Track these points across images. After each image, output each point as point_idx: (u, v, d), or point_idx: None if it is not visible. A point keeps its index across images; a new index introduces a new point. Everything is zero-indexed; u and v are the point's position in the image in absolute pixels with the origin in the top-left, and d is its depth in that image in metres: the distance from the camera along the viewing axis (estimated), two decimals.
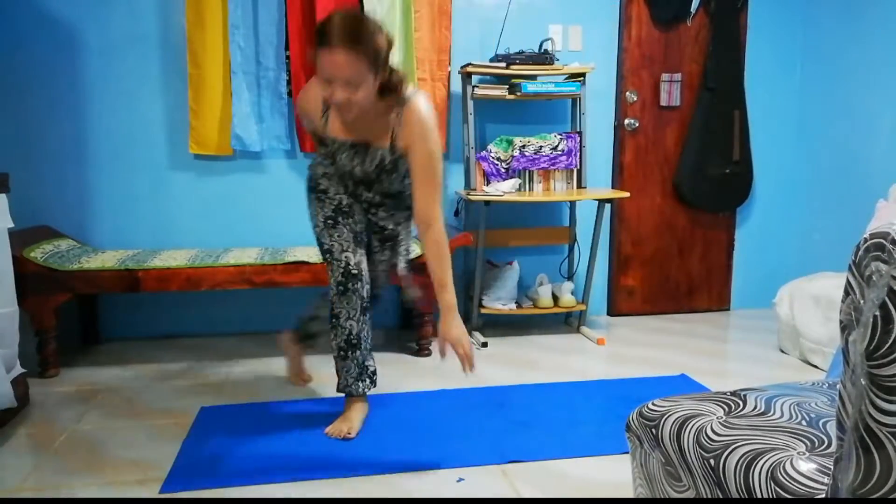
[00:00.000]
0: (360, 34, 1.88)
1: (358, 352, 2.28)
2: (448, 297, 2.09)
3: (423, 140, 2.08)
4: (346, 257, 2.20)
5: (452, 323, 2.07)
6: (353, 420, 2.30)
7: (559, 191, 3.47)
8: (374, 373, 2.39)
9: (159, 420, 2.41)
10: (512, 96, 3.36)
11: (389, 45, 1.97)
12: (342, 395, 2.37)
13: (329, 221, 2.25)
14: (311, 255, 3.05)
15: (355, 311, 2.22)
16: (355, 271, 2.20)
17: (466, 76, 3.36)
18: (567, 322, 3.75)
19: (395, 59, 2.02)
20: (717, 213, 4.00)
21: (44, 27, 3.16)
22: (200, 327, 3.48)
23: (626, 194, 3.44)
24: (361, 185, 2.27)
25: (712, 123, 3.81)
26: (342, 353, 2.27)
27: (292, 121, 3.39)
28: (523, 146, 3.39)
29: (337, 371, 2.33)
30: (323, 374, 2.89)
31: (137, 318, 3.41)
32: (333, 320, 2.24)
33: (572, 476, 2.02)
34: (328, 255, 2.23)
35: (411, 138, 2.09)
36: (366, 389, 2.35)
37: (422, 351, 3.15)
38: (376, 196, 2.30)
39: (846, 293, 0.87)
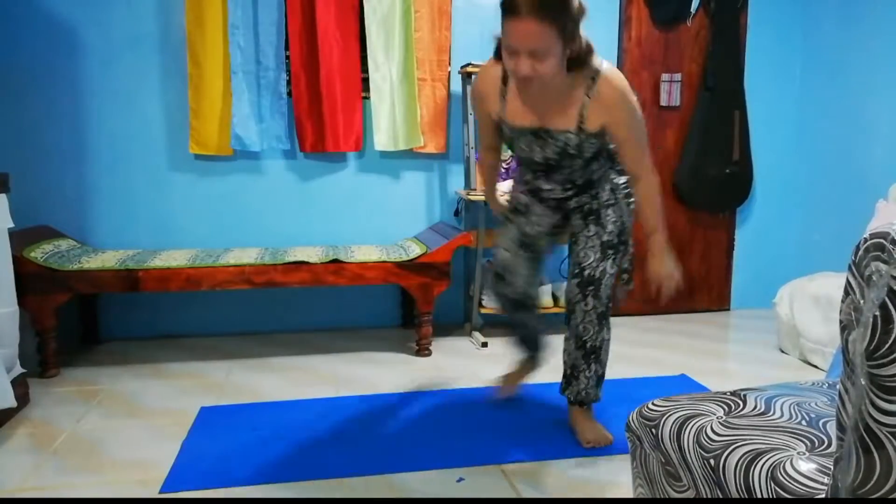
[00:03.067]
0: (553, 2, 1.74)
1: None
2: (658, 238, 2.09)
3: (627, 117, 1.97)
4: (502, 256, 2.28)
5: (663, 261, 2.09)
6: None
7: None
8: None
9: (159, 420, 2.41)
10: None
11: (581, 12, 1.82)
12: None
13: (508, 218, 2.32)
14: (311, 255, 3.05)
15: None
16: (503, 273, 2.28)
17: (466, 76, 3.36)
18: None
19: (584, 29, 1.87)
20: (717, 213, 4.00)
21: (44, 28, 3.16)
22: (200, 327, 3.48)
23: None
24: (542, 176, 2.18)
25: (712, 123, 3.81)
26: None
27: (292, 121, 3.39)
28: None
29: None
30: (320, 372, 2.89)
31: (137, 318, 3.41)
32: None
33: (572, 476, 2.02)
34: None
35: (612, 117, 1.96)
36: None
37: (422, 351, 3.15)
38: (558, 188, 2.19)
39: (846, 293, 0.87)
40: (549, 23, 1.75)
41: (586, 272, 2.16)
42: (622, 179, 2.20)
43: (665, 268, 2.08)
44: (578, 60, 1.89)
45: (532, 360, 2.55)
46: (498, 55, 1.95)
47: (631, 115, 1.98)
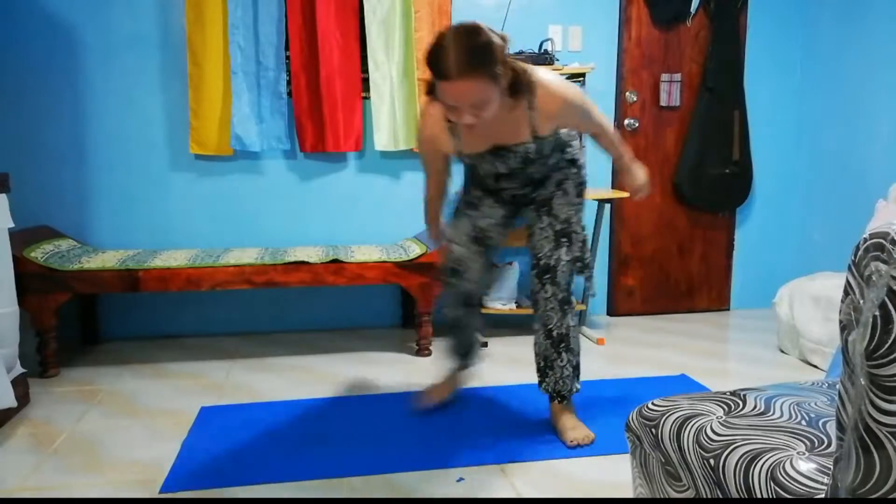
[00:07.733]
0: (477, 58, 1.79)
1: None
2: (625, 158, 2.32)
3: (574, 112, 2.10)
4: (454, 248, 2.31)
5: (634, 173, 2.31)
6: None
7: None
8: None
9: (159, 420, 2.41)
10: None
11: (504, 46, 1.87)
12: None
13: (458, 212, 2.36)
14: (311, 255, 3.05)
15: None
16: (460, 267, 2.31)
17: None
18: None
19: (507, 51, 1.92)
20: (717, 213, 4.00)
21: (44, 27, 3.16)
22: (200, 327, 3.48)
23: (626, 194, 3.43)
24: (503, 178, 2.23)
25: (712, 123, 3.81)
26: None
27: (292, 121, 3.39)
28: None
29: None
30: (320, 372, 2.89)
31: (137, 318, 3.41)
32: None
33: (572, 476, 2.02)
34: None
35: (560, 120, 2.09)
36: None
37: (422, 351, 3.15)
38: (517, 186, 2.26)
39: (846, 293, 0.87)
40: (480, 77, 1.81)
41: (542, 261, 2.24)
42: (573, 169, 2.31)
43: (637, 179, 2.31)
44: (516, 87, 1.95)
45: (462, 368, 2.55)
46: (431, 92, 2.01)
47: (577, 110, 2.10)
